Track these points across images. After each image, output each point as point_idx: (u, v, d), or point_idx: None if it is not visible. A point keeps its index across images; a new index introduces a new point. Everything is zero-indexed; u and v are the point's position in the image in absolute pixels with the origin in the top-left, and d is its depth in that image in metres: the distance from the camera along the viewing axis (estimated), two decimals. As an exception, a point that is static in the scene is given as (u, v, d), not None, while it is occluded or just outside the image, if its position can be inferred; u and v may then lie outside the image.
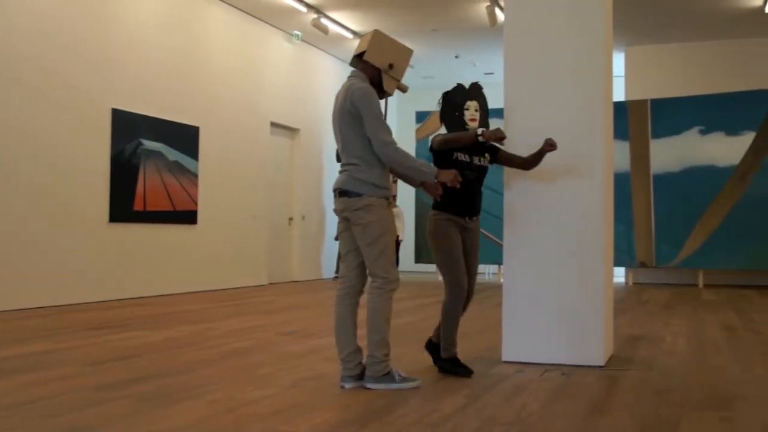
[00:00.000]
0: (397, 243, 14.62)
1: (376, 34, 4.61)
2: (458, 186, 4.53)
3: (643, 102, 13.66)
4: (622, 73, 15.03)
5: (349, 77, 4.67)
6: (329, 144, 15.37)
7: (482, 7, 12.20)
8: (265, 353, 5.74)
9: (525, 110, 5.40)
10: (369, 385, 4.46)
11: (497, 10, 11.87)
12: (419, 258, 15.09)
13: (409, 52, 4.71)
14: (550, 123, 5.29)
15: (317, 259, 15.08)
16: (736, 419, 3.77)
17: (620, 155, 13.40)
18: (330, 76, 15.82)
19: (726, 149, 12.74)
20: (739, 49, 14.13)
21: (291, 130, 14.36)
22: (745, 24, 13.19)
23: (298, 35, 13.92)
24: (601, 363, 5.16)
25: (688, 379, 4.79)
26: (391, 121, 18.41)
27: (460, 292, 5.00)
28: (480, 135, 4.72)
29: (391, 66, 4.60)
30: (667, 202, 13.24)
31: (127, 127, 10.00)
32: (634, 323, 7.79)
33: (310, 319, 8.04)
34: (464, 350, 5.88)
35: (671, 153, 13.24)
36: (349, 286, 4.74)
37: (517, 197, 5.39)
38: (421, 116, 15.33)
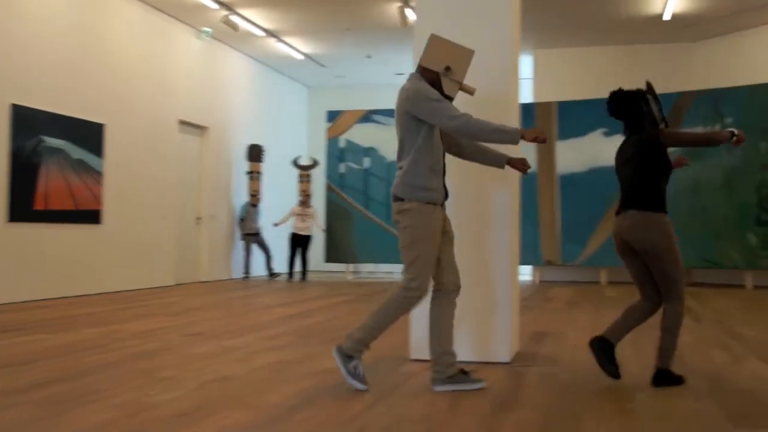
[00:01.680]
0: (306, 240, 14.62)
1: (433, 38, 4.58)
2: (545, 141, 4.38)
3: (550, 104, 13.97)
4: (531, 76, 15.34)
5: (407, 79, 4.63)
6: (239, 142, 15.23)
7: (394, 8, 12.27)
8: (170, 355, 5.64)
9: (433, 110, 5.44)
10: (334, 356, 4.50)
11: (408, 11, 11.96)
12: (329, 257, 15.07)
13: (469, 53, 4.59)
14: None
15: (227, 259, 14.91)
16: (636, 410, 3.89)
17: (528, 155, 13.61)
18: (240, 74, 15.66)
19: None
20: (641, 53, 14.59)
21: (200, 129, 14.16)
22: (647, 30, 13.64)
23: (207, 32, 13.73)
24: (508, 360, 5.26)
25: (590, 374, 4.91)
26: (302, 120, 18.38)
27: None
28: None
29: (448, 68, 4.52)
30: (572, 202, 13.57)
31: (28, 124, 9.67)
32: (540, 320, 7.96)
33: (217, 320, 7.94)
34: (373, 348, 5.90)
35: (576, 154, 13.59)
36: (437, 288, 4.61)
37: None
38: (332, 115, 15.31)
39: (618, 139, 5.03)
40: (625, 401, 4.10)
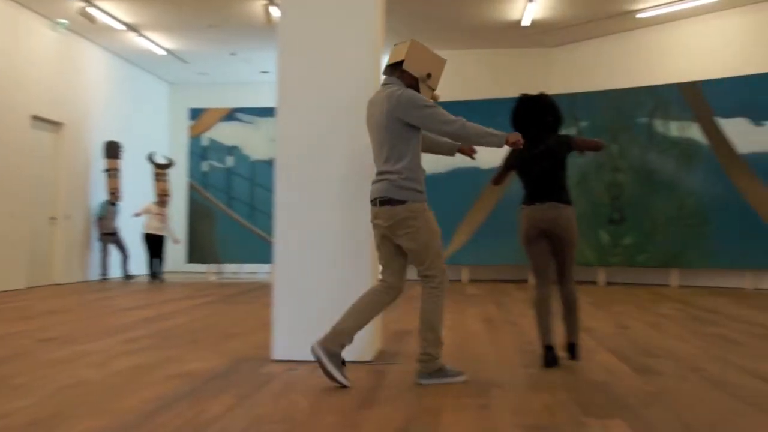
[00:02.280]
0: (161, 240, 14.26)
1: (414, 43, 4.67)
2: (522, 146, 4.74)
3: (412, 105, 14.14)
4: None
5: (384, 85, 4.70)
6: (98, 140, 14.71)
7: (258, 5, 12.15)
8: (22, 362, 5.38)
9: (298, 110, 5.43)
10: (423, 381, 4.54)
11: (273, 9, 11.86)
12: (191, 258, 14.77)
13: (443, 62, 4.80)
14: (322, 123, 5.38)
15: (83, 260, 14.37)
16: (492, 406, 4.00)
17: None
18: (98, 69, 15.13)
19: (489, 152, 13.38)
20: (502, 57, 15.03)
21: (54, 125, 13.58)
22: (507, 35, 14.05)
23: (63, 24, 13.17)
24: (370, 358, 5.30)
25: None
26: (164, 117, 17.95)
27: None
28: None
29: (429, 75, 4.71)
30: (434, 202, 13.73)
31: None
32: (402, 318, 8.06)
33: (72, 324, 7.64)
34: (235, 349, 5.85)
35: (438, 155, 13.78)
36: (396, 288, 4.78)
37: (288, 196, 5.40)
38: (194, 113, 15.01)
39: None
40: (483, 396, 4.20)
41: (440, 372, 4.59)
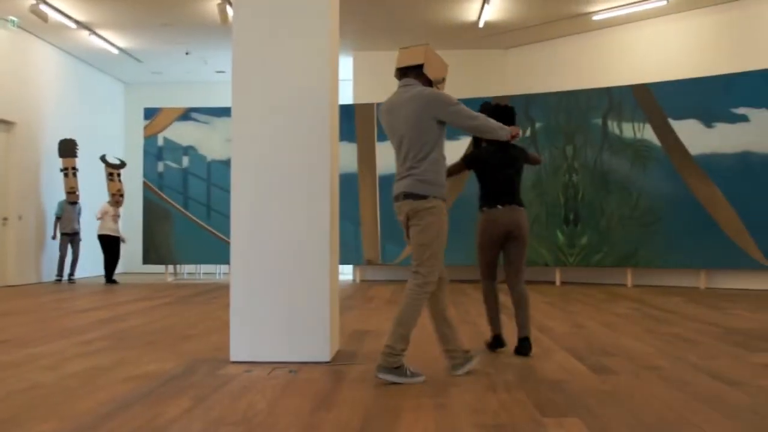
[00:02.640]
0: (117, 241, 14.06)
1: (429, 49, 4.96)
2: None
3: (369, 105, 14.17)
4: (350, 77, 15.50)
5: (406, 86, 4.88)
6: (51, 139, 14.48)
7: (213, 5, 12.05)
8: (-28, 364, 5.28)
9: (252, 110, 5.40)
10: (380, 375, 4.54)
11: (228, 8, 11.77)
12: (147, 258, 14.61)
13: (447, 67, 5.13)
14: (277, 124, 5.36)
15: (36, 261, 14.14)
16: (450, 404, 4.01)
17: (349, 156, 13.81)
18: (51, 67, 14.91)
19: (445, 152, 13.52)
20: (457, 58, 15.03)
21: (5, 124, 13.35)
22: (462, 36, 14.13)
23: (14, 21, 12.94)
24: (328, 359, 5.28)
25: (409, 370, 5.03)
26: (119, 116, 17.73)
27: None
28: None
29: (443, 80, 5.01)
30: (392, 202, 13.78)
31: None
32: (360, 319, 8.06)
33: (25, 326, 7.51)
34: (192, 351, 5.80)
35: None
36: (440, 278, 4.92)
37: (244, 196, 5.37)
38: (149, 112, 14.85)
39: None
40: (441, 396, 4.21)
41: (399, 370, 4.57)
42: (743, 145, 11.59)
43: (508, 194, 5.72)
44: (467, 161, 5.86)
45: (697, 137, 11.95)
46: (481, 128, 4.92)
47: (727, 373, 4.83)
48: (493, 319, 5.86)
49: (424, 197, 4.70)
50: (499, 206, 5.67)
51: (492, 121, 4.94)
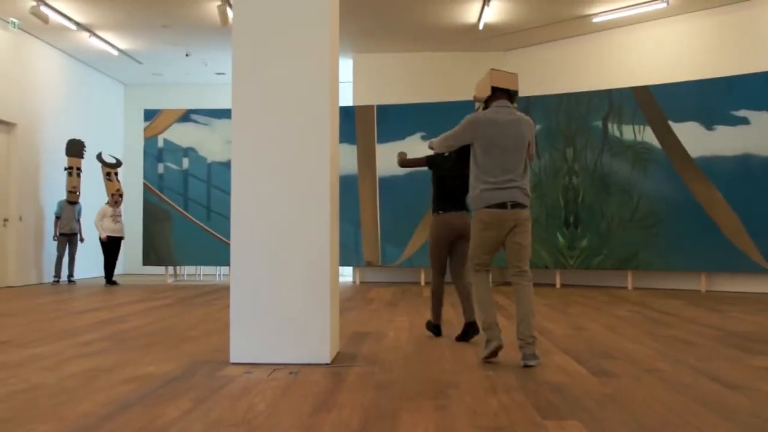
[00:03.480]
0: (119, 242, 14.05)
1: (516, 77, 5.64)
2: None
3: (369, 107, 14.18)
4: (350, 79, 15.51)
5: (507, 107, 5.49)
6: (49, 140, 14.49)
7: (213, 6, 12.06)
8: (-28, 365, 5.27)
9: (253, 112, 5.40)
10: (532, 363, 5.20)
11: (229, 10, 11.77)
12: (147, 260, 14.61)
13: None
14: (277, 125, 5.35)
15: (36, 262, 14.14)
16: (449, 406, 4.01)
17: (349, 158, 13.82)
18: (52, 69, 14.92)
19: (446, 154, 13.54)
20: (457, 60, 15.11)
21: (6, 125, 13.36)
22: (462, 39, 14.14)
23: (15, 23, 12.95)
24: (328, 360, 5.28)
25: (408, 372, 5.02)
26: (118, 118, 17.73)
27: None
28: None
29: None
30: (392, 204, 13.84)
31: None
32: (360, 320, 8.05)
33: (24, 327, 7.51)
34: (192, 352, 5.80)
35: (396, 157, 13.81)
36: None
37: (244, 198, 5.36)
38: (149, 114, 14.85)
39: None
40: (440, 398, 4.21)
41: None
42: (744, 147, 11.59)
43: (458, 201, 6.62)
44: (428, 160, 6.88)
45: (697, 140, 11.95)
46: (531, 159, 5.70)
47: (726, 376, 4.82)
48: (438, 310, 6.74)
49: (527, 207, 5.44)
50: (451, 211, 6.62)
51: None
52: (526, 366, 5.13)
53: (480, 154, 5.41)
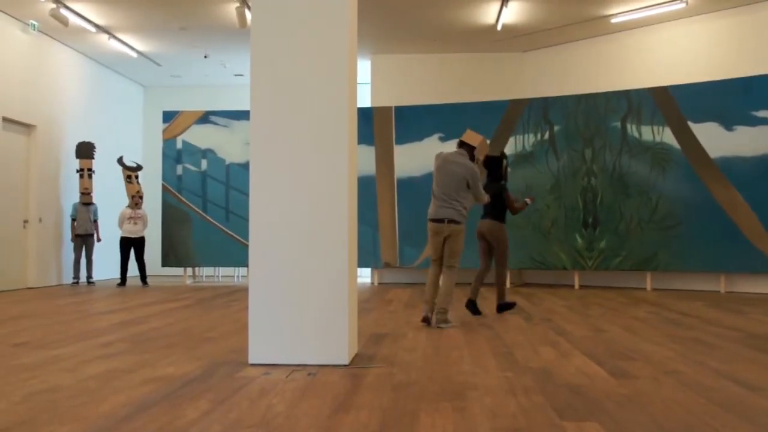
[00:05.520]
0: (139, 243, 14.12)
1: (483, 141, 7.85)
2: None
3: (387, 108, 14.18)
4: (368, 80, 15.52)
5: (457, 152, 7.74)
6: (69, 142, 14.60)
7: (231, 8, 12.11)
8: (-7, 366, 5.32)
9: (271, 114, 5.41)
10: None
11: (247, 11, 11.81)
12: (166, 261, 14.68)
13: (486, 150, 8.13)
14: (295, 126, 5.37)
15: (56, 263, 14.24)
16: (468, 408, 4.00)
17: (367, 159, 13.83)
18: (71, 71, 15.02)
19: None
20: (475, 61, 15.09)
21: (26, 127, 13.46)
22: (480, 39, 14.11)
23: (34, 25, 13.07)
24: (346, 362, 5.28)
25: (427, 373, 5.02)
26: (137, 119, 17.83)
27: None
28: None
29: (480, 159, 7.94)
30: (409, 205, 13.83)
31: None
32: (378, 322, 8.06)
33: (44, 328, 7.56)
34: (210, 353, 5.82)
35: (414, 158, 13.87)
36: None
37: (263, 199, 5.38)
38: (168, 116, 14.92)
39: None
40: (459, 399, 4.21)
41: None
42: (763, 148, 11.51)
43: (486, 210, 8.68)
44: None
45: (716, 140, 11.87)
46: (480, 200, 7.83)
47: (747, 378, 4.79)
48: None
49: (460, 223, 7.55)
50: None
51: (484, 195, 7.84)
52: (438, 327, 7.38)
53: (434, 179, 7.67)
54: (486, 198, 7.87)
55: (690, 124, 12.11)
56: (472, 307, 8.57)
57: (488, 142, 8.33)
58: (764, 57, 11.92)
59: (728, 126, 11.82)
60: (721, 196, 11.79)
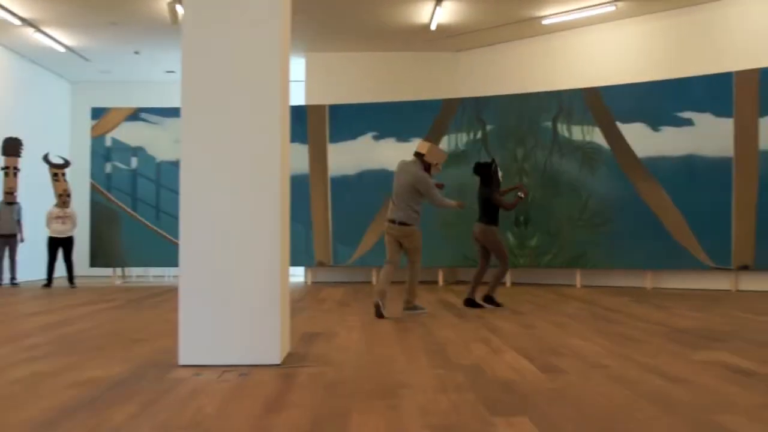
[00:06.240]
0: (67, 242, 13.75)
1: (433, 145, 8.66)
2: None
3: (321, 107, 14.15)
4: (303, 78, 15.45)
5: (415, 162, 8.46)
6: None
7: (162, 4, 11.92)
8: None
9: (202, 111, 5.35)
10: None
11: (179, 7, 11.63)
12: (95, 262, 14.38)
13: (445, 156, 8.89)
14: (227, 124, 5.31)
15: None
16: (400, 406, 4.01)
17: (301, 158, 13.77)
18: (-6, 66, 14.59)
19: (397, 154, 13.59)
20: (410, 60, 15.15)
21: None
22: (415, 39, 14.17)
23: (-45, 19, 12.68)
24: (278, 361, 5.25)
25: (359, 372, 5.02)
26: (65, 116, 17.44)
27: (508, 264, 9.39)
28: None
29: (436, 164, 8.48)
30: (343, 204, 13.83)
31: None
32: (311, 321, 8.04)
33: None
34: (140, 355, 5.73)
35: (348, 157, 13.87)
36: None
37: (193, 197, 5.31)
38: (97, 112, 14.62)
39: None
40: (391, 397, 4.22)
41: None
42: (688, 148, 11.83)
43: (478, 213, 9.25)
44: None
45: (644, 140, 12.15)
46: (438, 204, 8.53)
47: (670, 371, 4.91)
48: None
49: (410, 225, 8.35)
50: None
51: (443, 200, 8.52)
52: (406, 310, 8.55)
53: (393, 185, 8.49)
54: (445, 201, 8.49)
55: (618, 124, 12.37)
56: (471, 303, 9.18)
57: (441, 146, 9.09)
58: (689, 60, 12.24)
59: (655, 126, 12.10)
60: (648, 195, 12.07)
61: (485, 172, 9.23)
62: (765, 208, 11.25)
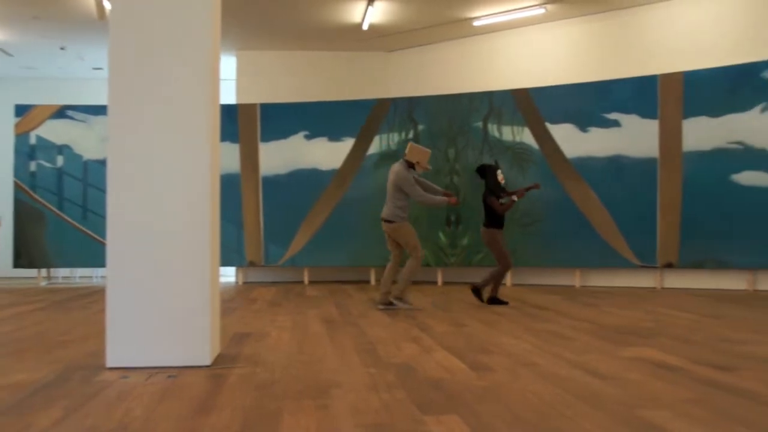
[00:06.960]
0: None
1: (414, 145, 9.15)
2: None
3: (252, 106, 14.03)
4: (234, 77, 15.30)
5: (399, 164, 9.06)
6: None
7: (89, -1, 11.67)
8: None
9: (130, 109, 5.26)
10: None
11: (106, 2, 11.40)
12: (19, 262, 14.01)
13: (428, 153, 9.19)
14: (155, 122, 5.24)
15: None
16: (332, 406, 4.01)
17: (231, 157, 13.64)
18: None
19: (328, 154, 13.60)
20: (342, 60, 15.12)
21: None
22: (347, 38, 14.16)
23: None
24: (208, 362, 5.20)
25: (290, 372, 5.00)
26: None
27: (509, 265, 9.43)
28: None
29: (418, 163, 9.01)
30: (275, 204, 13.74)
31: None
32: (242, 321, 7.97)
33: None
34: (66, 358, 5.60)
35: (279, 156, 13.78)
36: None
37: (121, 197, 5.22)
38: (20, 110, 14.24)
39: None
40: (323, 397, 4.21)
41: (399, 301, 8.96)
42: (615, 148, 12.07)
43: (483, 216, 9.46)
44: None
45: (572, 141, 12.36)
46: (422, 202, 9.04)
47: (598, 367, 5.01)
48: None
49: (394, 222, 8.90)
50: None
51: (426, 196, 8.94)
52: (396, 300, 8.95)
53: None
54: (428, 198, 8.93)
55: (548, 125, 12.55)
56: (495, 301, 9.45)
57: (426, 147, 9.78)
58: (617, 63, 12.50)
59: (583, 127, 12.32)
60: (576, 195, 12.28)
61: (487, 174, 9.43)
62: (689, 207, 11.55)
